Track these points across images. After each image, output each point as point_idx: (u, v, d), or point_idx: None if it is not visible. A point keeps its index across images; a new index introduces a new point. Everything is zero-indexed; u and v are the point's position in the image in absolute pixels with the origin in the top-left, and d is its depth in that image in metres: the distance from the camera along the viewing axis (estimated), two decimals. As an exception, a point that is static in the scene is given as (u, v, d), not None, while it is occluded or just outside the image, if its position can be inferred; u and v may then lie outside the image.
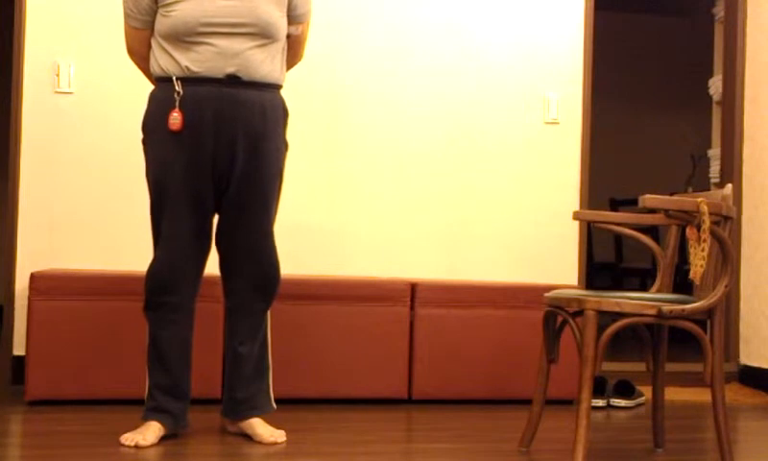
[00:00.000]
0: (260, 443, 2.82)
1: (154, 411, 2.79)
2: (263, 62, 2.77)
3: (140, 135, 2.86)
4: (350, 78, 4.17)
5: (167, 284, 2.77)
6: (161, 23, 2.74)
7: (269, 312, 2.95)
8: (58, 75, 3.86)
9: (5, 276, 3.83)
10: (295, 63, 3.03)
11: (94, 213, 3.87)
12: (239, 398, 2.90)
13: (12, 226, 3.82)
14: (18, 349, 3.73)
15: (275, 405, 2.97)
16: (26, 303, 3.42)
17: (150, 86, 2.90)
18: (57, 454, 2.58)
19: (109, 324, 3.38)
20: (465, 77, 4.28)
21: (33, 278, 3.37)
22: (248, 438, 2.87)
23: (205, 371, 3.43)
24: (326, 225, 4.13)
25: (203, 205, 2.78)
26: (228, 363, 2.93)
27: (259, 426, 2.87)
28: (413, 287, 3.70)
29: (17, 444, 2.77)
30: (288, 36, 2.90)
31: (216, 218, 2.88)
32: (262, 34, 2.75)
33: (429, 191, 4.23)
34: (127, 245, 3.87)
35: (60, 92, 3.86)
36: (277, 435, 2.86)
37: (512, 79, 4.32)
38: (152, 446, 2.71)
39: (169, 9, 2.72)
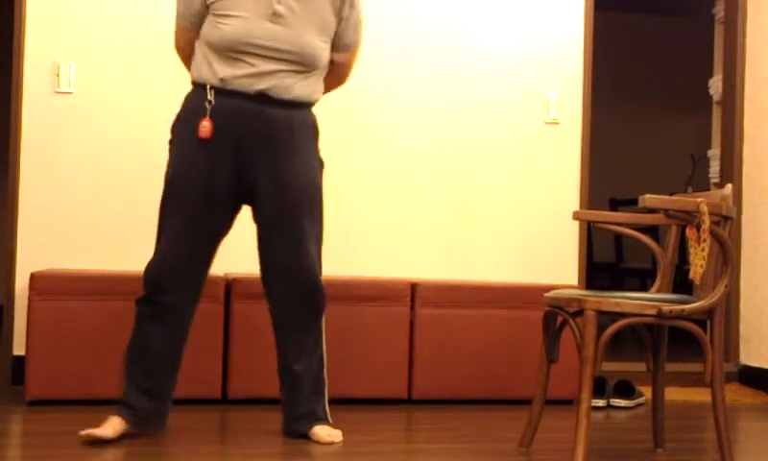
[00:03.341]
0: (318, 443, 2.82)
1: (119, 406, 2.77)
2: (295, 84, 2.80)
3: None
4: (351, 78, 4.16)
5: (163, 284, 2.76)
6: (210, 32, 2.76)
7: (323, 331, 2.94)
8: (58, 75, 3.86)
9: (5, 276, 3.83)
10: (336, 86, 3.07)
11: (94, 213, 3.87)
12: (296, 416, 2.88)
13: (11, 226, 3.82)
14: (18, 349, 3.73)
15: (331, 419, 2.94)
16: (26, 302, 3.42)
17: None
18: (57, 454, 2.58)
19: (109, 324, 3.38)
20: (465, 77, 4.28)
21: (33, 278, 3.37)
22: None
23: (205, 371, 3.44)
24: (326, 225, 4.11)
25: (212, 215, 2.78)
26: (284, 383, 2.90)
27: (317, 428, 2.87)
28: (413, 287, 3.70)
29: (17, 444, 2.77)
30: (331, 61, 2.91)
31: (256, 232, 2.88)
32: (302, 62, 2.79)
33: (429, 191, 4.23)
34: (127, 245, 3.86)
35: (60, 92, 3.86)
36: (335, 435, 2.86)
37: (512, 79, 4.32)
38: (109, 439, 2.68)
39: (220, 20, 2.74)
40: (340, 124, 4.14)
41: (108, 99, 3.90)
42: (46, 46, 3.85)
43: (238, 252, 3.45)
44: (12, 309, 3.79)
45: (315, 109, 2.91)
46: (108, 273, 3.51)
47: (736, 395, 4.20)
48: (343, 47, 2.93)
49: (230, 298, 3.51)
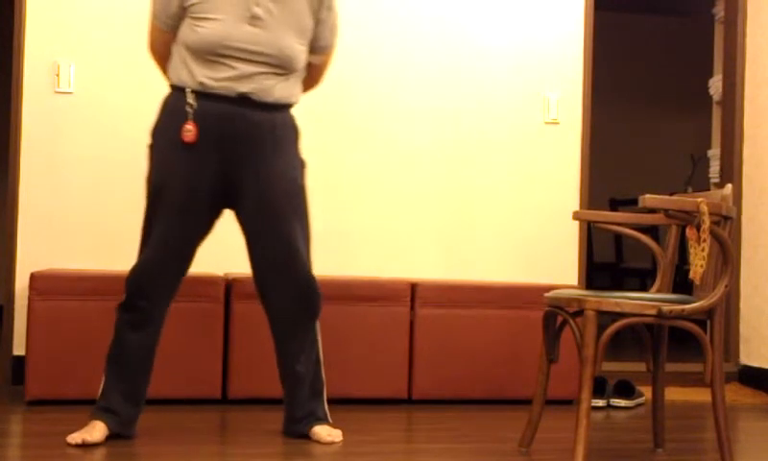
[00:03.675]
0: (318, 442, 2.83)
1: (102, 411, 2.78)
2: (275, 86, 2.78)
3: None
4: (349, 79, 4.17)
5: (146, 290, 2.76)
6: (187, 34, 2.75)
7: (318, 332, 2.94)
8: (58, 75, 3.86)
9: (5, 276, 3.83)
10: (311, 88, 3.04)
11: (94, 213, 3.87)
12: (299, 416, 2.90)
13: (11, 226, 3.82)
14: (18, 349, 3.73)
15: (330, 419, 2.95)
16: (26, 303, 3.42)
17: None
18: (57, 454, 2.58)
19: (109, 324, 3.35)
20: (465, 77, 4.28)
21: (33, 278, 3.37)
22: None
23: (205, 371, 3.44)
24: (326, 225, 4.13)
25: (196, 219, 2.78)
26: (286, 384, 2.92)
27: (318, 428, 2.88)
28: (413, 287, 3.69)
29: (17, 444, 2.77)
30: (309, 64, 2.91)
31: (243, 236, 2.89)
32: (281, 65, 2.77)
33: (429, 191, 4.23)
34: (126, 245, 3.84)
35: (60, 92, 3.86)
36: (335, 435, 2.86)
37: (512, 79, 4.32)
38: (98, 444, 2.68)
39: (198, 23, 2.73)
40: (340, 124, 4.14)
41: (108, 99, 3.90)
42: (46, 46, 3.85)
43: (238, 252, 3.44)
44: (12, 309, 3.79)
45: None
46: (107, 273, 3.51)
47: (736, 395, 4.20)
48: (319, 49, 2.92)
49: (230, 298, 3.51)
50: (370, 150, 4.18)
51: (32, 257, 3.80)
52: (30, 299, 3.36)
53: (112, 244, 3.87)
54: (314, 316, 2.91)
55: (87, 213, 3.87)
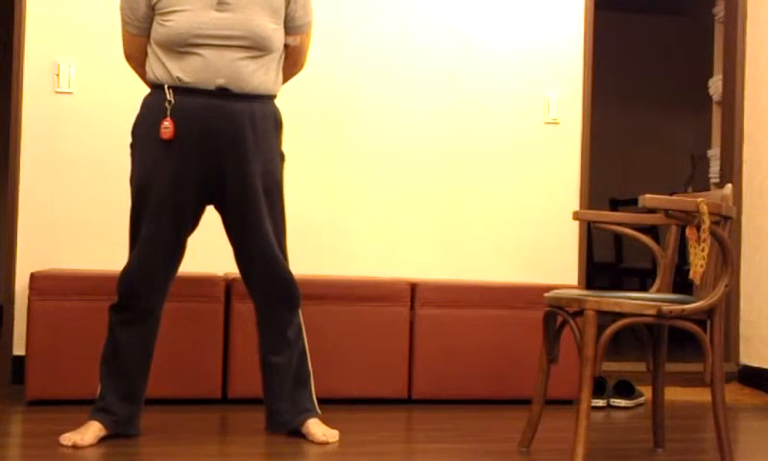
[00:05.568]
0: (312, 442, 2.82)
1: (98, 411, 2.78)
2: (254, 73, 2.76)
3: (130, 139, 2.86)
4: (350, 78, 4.17)
5: (137, 290, 2.76)
6: (157, 31, 2.75)
7: (302, 323, 2.94)
8: (58, 75, 3.86)
9: (5, 276, 3.83)
10: (294, 73, 3.02)
11: (94, 213, 3.87)
12: (279, 409, 2.89)
13: (12, 226, 3.82)
14: (18, 349, 3.73)
15: (319, 411, 2.95)
16: (26, 302, 3.42)
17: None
18: (57, 454, 2.58)
19: (109, 324, 3.38)
20: (464, 77, 4.28)
21: (33, 278, 3.37)
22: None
23: (205, 371, 3.44)
24: (326, 225, 4.13)
25: (182, 216, 2.77)
26: (263, 376, 2.92)
27: (312, 426, 2.87)
28: (413, 287, 3.70)
29: (17, 444, 2.77)
30: (286, 46, 2.90)
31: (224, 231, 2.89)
32: (255, 46, 2.75)
33: (429, 191, 4.23)
34: (126, 245, 3.86)
35: (60, 92, 3.87)
36: (330, 435, 2.85)
37: (512, 79, 4.32)
38: (90, 445, 2.69)
39: (165, 18, 2.73)
40: (339, 124, 4.14)
41: (108, 99, 3.90)
42: (46, 46, 3.85)
43: (238, 252, 3.45)
44: (12, 309, 3.79)
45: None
46: (107, 273, 3.51)
47: (736, 395, 4.20)
48: (294, 29, 2.89)
49: (230, 298, 3.51)
50: (370, 150, 4.18)
51: (32, 257, 3.81)
52: (30, 299, 3.36)
53: (112, 244, 3.87)
54: (292, 308, 2.90)
55: (87, 213, 3.87)
